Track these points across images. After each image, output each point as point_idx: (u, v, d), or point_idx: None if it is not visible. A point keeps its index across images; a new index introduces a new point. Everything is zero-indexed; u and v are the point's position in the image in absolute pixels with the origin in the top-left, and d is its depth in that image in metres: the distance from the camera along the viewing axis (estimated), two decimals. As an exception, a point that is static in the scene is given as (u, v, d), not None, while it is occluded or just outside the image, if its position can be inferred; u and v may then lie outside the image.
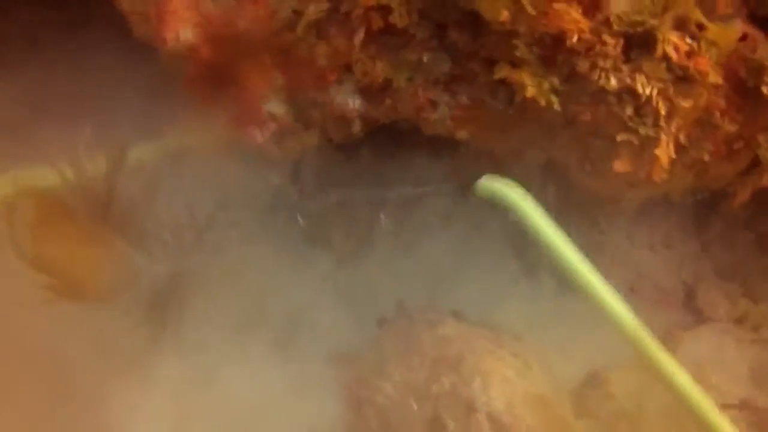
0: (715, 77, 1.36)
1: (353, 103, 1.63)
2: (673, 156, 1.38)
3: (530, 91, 1.39)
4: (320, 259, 2.15)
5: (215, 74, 1.63)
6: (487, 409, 1.55)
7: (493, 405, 1.55)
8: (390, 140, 1.98)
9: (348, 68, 1.57)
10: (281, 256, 2.06)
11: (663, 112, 1.34)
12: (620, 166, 1.43)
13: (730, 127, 1.41)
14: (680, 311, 2.46)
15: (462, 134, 1.66)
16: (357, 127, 1.69)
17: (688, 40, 1.34)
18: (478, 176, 1.64)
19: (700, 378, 1.94)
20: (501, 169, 1.81)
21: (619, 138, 1.37)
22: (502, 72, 1.43)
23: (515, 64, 1.41)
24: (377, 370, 1.76)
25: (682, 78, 1.35)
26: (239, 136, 1.72)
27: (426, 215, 2.20)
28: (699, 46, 1.34)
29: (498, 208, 1.63)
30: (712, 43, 1.34)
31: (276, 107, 1.67)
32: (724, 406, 1.73)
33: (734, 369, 2.22)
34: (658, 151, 1.36)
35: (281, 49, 1.57)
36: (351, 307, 2.07)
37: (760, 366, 2.25)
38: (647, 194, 1.66)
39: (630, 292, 2.54)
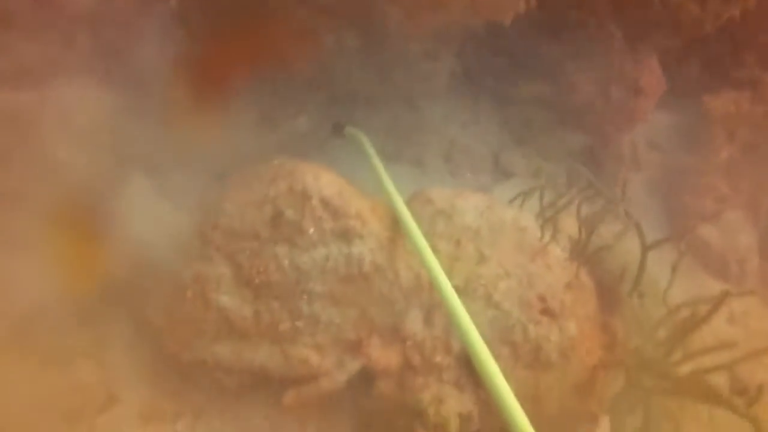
0: None
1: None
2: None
3: None
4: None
5: None
6: (320, 195, 1.73)
7: (324, 191, 1.74)
8: None
9: None
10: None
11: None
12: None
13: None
14: (491, 172, 2.90)
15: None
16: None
17: None
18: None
19: (514, 217, 2.35)
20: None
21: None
22: None
23: None
24: (220, 197, 1.86)
25: None
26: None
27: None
28: None
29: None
30: None
31: None
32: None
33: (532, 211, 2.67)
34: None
35: None
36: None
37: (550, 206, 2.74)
38: (440, 18, 1.98)
39: (445, 161, 2.93)
